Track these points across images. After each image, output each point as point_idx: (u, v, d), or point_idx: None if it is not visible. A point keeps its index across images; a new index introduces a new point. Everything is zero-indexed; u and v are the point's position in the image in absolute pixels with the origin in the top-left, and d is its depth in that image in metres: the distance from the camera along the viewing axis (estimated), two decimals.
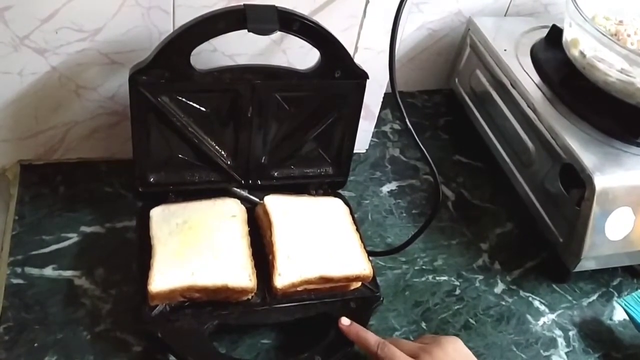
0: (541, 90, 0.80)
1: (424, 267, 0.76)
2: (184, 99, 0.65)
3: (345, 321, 0.63)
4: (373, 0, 0.70)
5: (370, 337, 0.61)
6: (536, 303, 0.75)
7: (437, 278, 0.75)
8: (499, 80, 0.85)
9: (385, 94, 0.81)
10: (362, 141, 0.87)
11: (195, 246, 0.63)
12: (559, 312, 0.75)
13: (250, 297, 0.63)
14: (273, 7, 0.60)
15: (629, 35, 0.78)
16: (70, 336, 0.62)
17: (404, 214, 0.81)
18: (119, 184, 0.76)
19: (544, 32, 0.88)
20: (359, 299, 0.66)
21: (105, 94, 0.71)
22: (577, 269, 0.74)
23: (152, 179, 0.69)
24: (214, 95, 0.66)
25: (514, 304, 0.74)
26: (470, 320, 0.71)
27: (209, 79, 0.64)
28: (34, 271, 0.66)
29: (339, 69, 0.66)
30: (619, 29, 0.79)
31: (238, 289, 0.61)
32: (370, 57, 0.75)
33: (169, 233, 0.64)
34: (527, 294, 0.76)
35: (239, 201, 0.70)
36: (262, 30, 0.61)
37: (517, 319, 0.73)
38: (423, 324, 0.70)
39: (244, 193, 0.74)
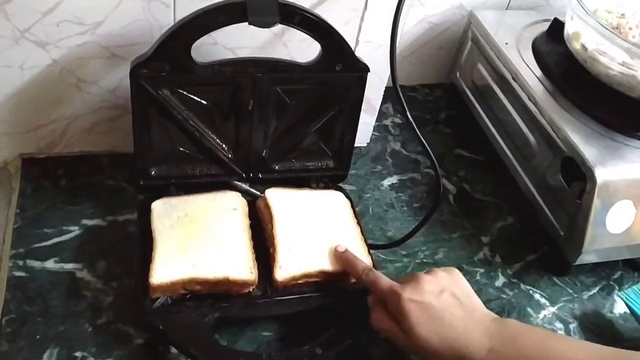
0: (542, 84, 0.80)
1: (424, 260, 0.76)
2: (185, 92, 0.65)
3: (340, 248, 0.65)
4: None
5: (358, 264, 0.64)
6: (537, 296, 0.75)
7: None
8: (501, 73, 0.84)
9: (386, 87, 0.81)
10: (363, 135, 0.87)
11: (197, 239, 0.64)
12: (560, 305, 0.75)
13: (251, 289, 0.63)
14: None
15: (630, 29, 0.78)
16: (72, 328, 0.62)
17: (405, 208, 0.81)
18: (120, 177, 0.76)
19: (545, 26, 0.88)
20: (359, 291, 0.66)
21: (106, 87, 0.71)
22: (578, 262, 0.74)
23: (153, 172, 0.69)
24: (215, 88, 0.66)
25: (515, 297, 0.74)
26: None
27: (210, 72, 0.64)
28: (36, 264, 0.66)
29: (340, 62, 0.66)
30: (620, 22, 0.79)
31: (239, 282, 0.62)
32: (371, 50, 0.75)
33: (170, 226, 0.65)
34: (528, 287, 0.76)
35: (240, 194, 0.70)
36: (263, 23, 0.61)
37: (518, 312, 0.73)
38: None
39: (245, 186, 0.74)
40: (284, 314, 0.64)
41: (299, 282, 0.64)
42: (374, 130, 0.89)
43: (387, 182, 0.85)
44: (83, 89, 0.71)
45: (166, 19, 0.67)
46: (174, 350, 0.61)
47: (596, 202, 0.70)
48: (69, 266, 0.67)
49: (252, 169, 0.72)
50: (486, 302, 0.72)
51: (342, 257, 0.65)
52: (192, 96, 0.66)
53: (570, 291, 0.77)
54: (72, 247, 0.68)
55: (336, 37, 0.64)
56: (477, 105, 0.91)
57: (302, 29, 0.63)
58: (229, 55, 0.71)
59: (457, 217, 0.82)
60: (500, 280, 0.76)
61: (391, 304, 0.59)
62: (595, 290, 0.77)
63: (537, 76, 0.81)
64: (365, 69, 0.68)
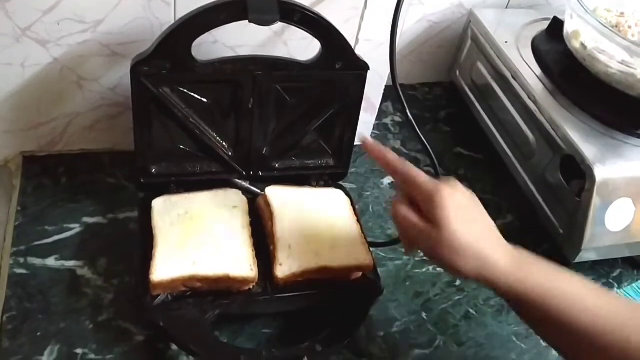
0: (542, 82, 0.80)
1: (424, 258, 0.75)
2: (185, 90, 0.65)
3: (365, 138, 0.60)
4: None
5: (389, 152, 0.58)
6: None
7: (438, 269, 0.75)
8: (500, 72, 0.85)
9: (386, 86, 0.82)
10: (363, 133, 0.87)
11: (197, 236, 0.64)
12: None
13: (251, 287, 0.63)
14: None
15: (629, 27, 0.78)
16: (72, 326, 0.62)
17: None
18: (121, 175, 0.76)
19: (545, 24, 0.89)
20: (359, 289, 0.66)
21: (107, 85, 0.72)
22: (578, 260, 0.74)
23: (153, 170, 0.69)
24: (215, 86, 0.66)
25: None
26: (471, 310, 0.72)
27: (210, 70, 0.64)
28: (37, 261, 0.66)
29: (340, 61, 0.66)
30: (620, 20, 0.79)
31: (239, 279, 0.62)
32: (371, 48, 0.75)
33: (171, 223, 0.65)
34: None
35: (240, 192, 0.71)
36: (263, 20, 0.61)
37: None
38: (424, 315, 0.70)
39: (245, 184, 0.74)
40: (284, 311, 0.64)
41: (299, 279, 0.64)
42: (373, 129, 0.89)
43: (387, 181, 0.85)
44: (84, 87, 0.71)
45: (167, 17, 0.67)
46: (174, 347, 0.61)
47: (595, 200, 0.70)
48: (70, 264, 0.67)
49: (253, 166, 0.72)
50: (486, 300, 0.73)
51: (369, 146, 0.59)
52: (192, 94, 0.66)
53: None
54: (73, 244, 0.68)
55: (336, 36, 0.64)
56: (476, 104, 0.91)
57: (302, 27, 0.63)
58: (229, 54, 0.71)
59: None
60: None
61: (426, 191, 0.54)
62: None
63: (536, 75, 0.81)
64: (365, 68, 0.68)
